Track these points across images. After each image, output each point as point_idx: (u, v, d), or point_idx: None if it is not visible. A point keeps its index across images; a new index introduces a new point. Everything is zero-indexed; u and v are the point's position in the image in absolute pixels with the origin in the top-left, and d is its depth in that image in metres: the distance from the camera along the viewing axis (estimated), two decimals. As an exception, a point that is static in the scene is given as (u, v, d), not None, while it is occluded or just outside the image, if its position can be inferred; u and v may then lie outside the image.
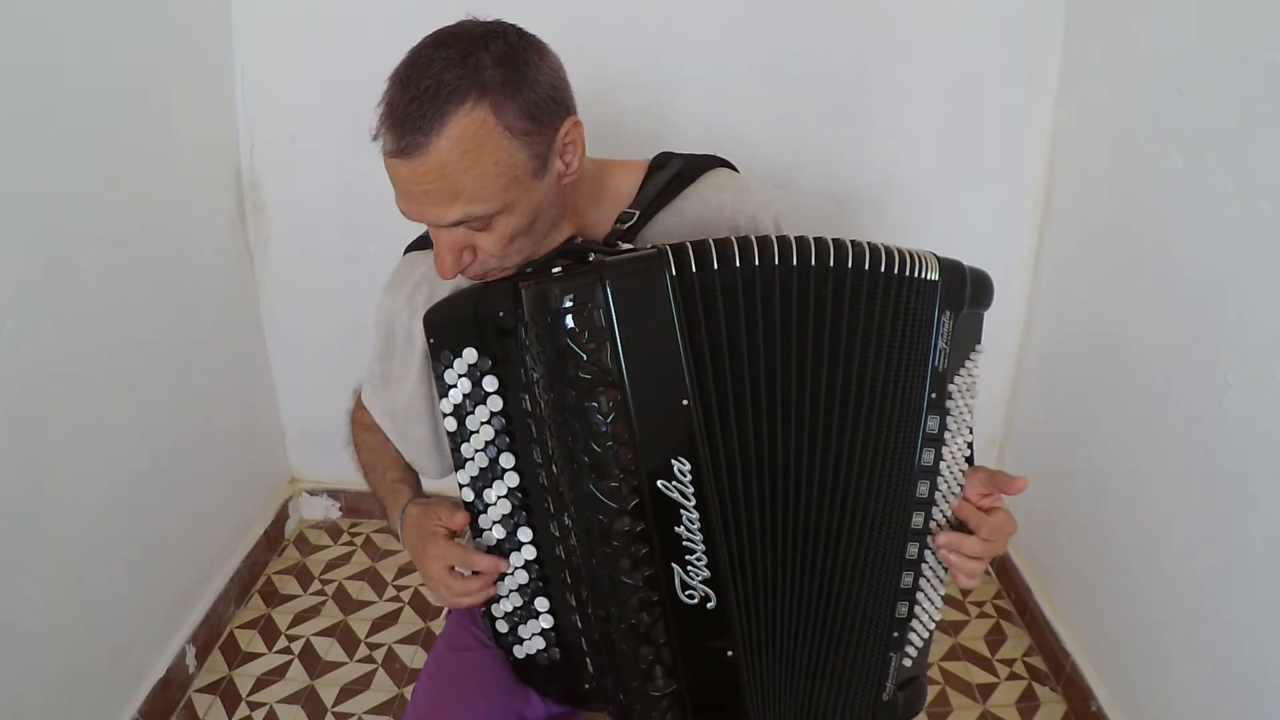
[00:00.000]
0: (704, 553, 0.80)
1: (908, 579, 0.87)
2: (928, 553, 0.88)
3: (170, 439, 1.63)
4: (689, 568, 0.80)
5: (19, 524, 1.26)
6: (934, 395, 0.83)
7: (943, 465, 0.86)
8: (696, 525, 0.79)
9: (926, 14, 1.65)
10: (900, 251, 0.81)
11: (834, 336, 0.81)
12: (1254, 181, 1.16)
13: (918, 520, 0.86)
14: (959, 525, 0.88)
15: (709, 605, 0.81)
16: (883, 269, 0.80)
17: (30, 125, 1.25)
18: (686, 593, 0.80)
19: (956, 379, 0.86)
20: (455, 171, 0.76)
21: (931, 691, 1.68)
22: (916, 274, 0.81)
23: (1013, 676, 1.72)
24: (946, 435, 0.85)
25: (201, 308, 1.72)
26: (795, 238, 0.80)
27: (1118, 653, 1.52)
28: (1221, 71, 1.23)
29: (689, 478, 0.78)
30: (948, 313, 0.83)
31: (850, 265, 0.80)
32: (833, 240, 0.81)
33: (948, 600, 1.90)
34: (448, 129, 0.75)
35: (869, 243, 0.82)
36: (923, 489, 0.85)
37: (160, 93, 1.55)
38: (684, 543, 0.79)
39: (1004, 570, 1.95)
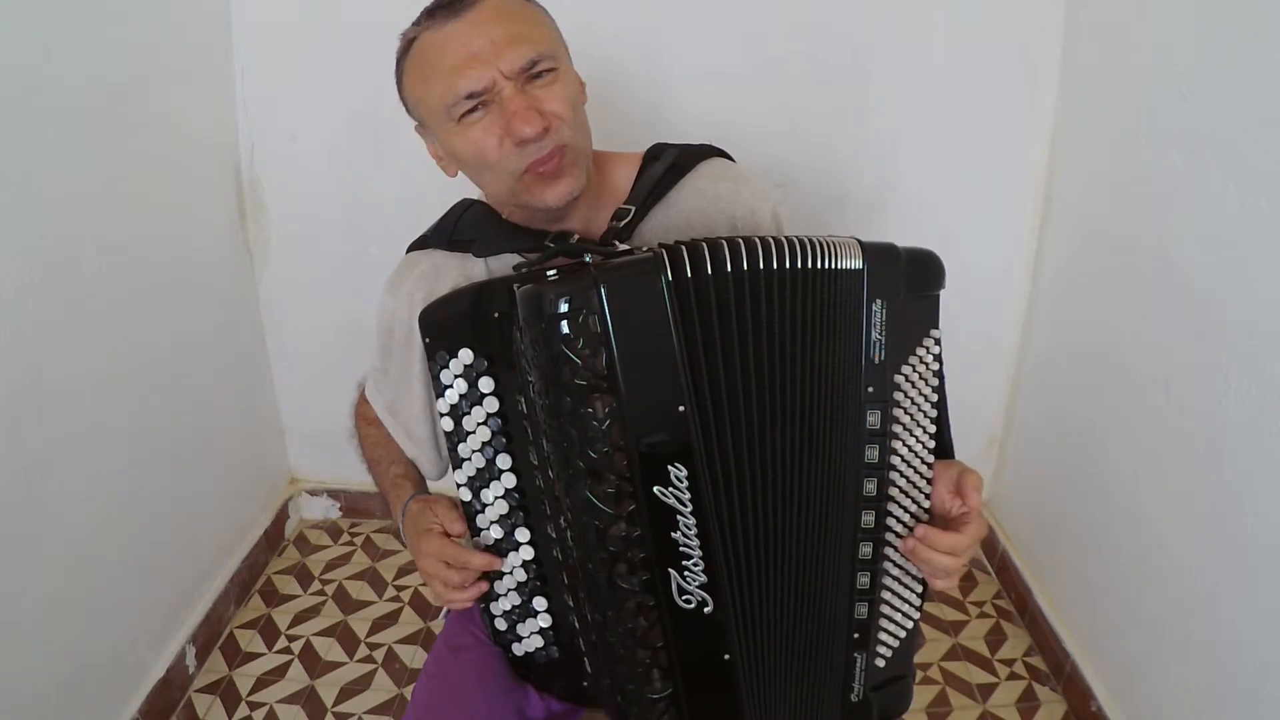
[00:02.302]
0: (700, 558, 0.79)
1: (864, 579, 0.85)
2: (890, 550, 0.86)
3: (170, 439, 1.63)
4: (685, 573, 0.79)
5: (19, 524, 1.26)
6: (870, 389, 0.81)
7: (897, 460, 0.83)
8: (693, 531, 0.78)
9: (926, 14, 1.65)
10: (815, 242, 0.79)
11: (802, 336, 0.79)
12: (1254, 181, 1.16)
13: (868, 520, 0.84)
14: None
15: (706, 610, 0.81)
16: (789, 265, 0.78)
17: (30, 125, 1.25)
18: (683, 597, 0.80)
19: (905, 369, 0.83)
20: (512, 19, 0.83)
21: (931, 691, 1.68)
22: (832, 265, 0.79)
23: (1013, 676, 1.72)
24: (898, 429, 0.83)
25: (201, 308, 1.72)
26: (755, 238, 0.79)
27: (1118, 653, 1.52)
28: (1221, 71, 1.23)
29: (685, 484, 0.77)
30: (879, 301, 0.80)
31: (790, 265, 0.78)
32: (756, 239, 0.79)
33: (948, 600, 1.91)
34: None
35: (779, 237, 0.80)
36: (870, 487, 0.83)
37: (160, 93, 1.55)
38: (680, 548, 0.79)
39: (1004, 570, 1.95)
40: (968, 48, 1.67)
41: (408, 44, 0.86)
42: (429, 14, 0.84)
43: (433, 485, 1.05)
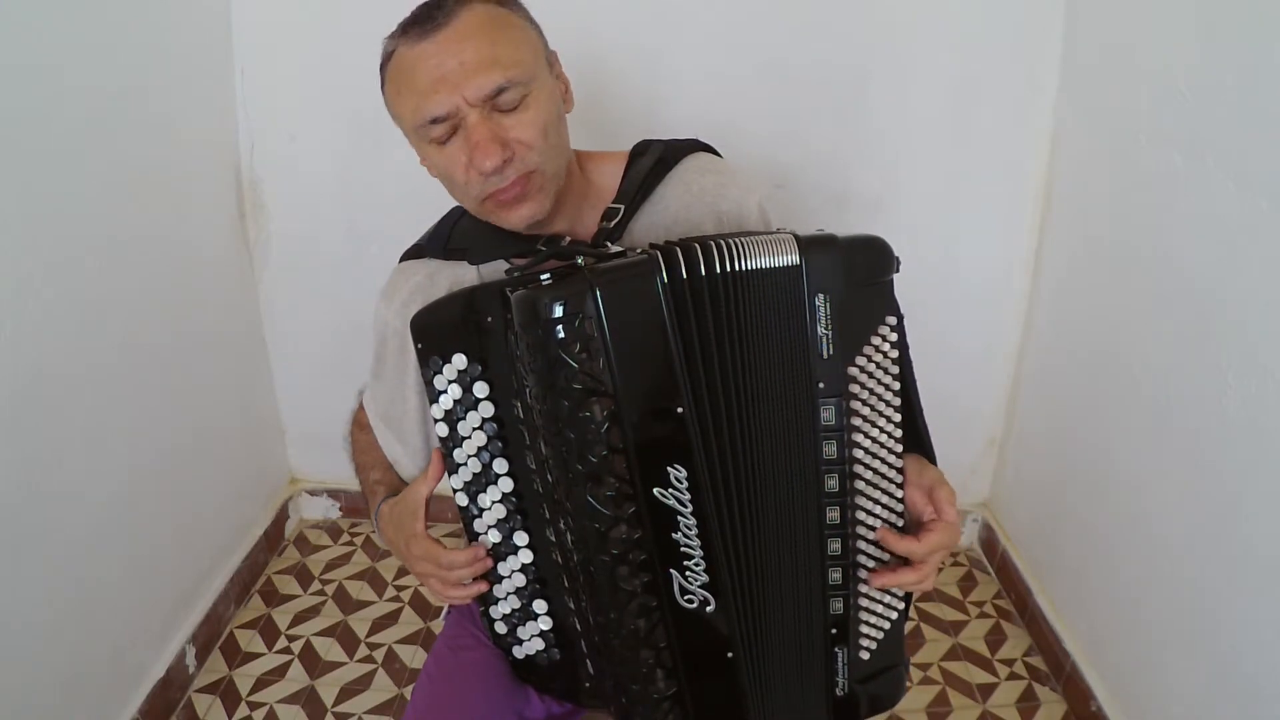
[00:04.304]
0: (702, 557, 0.79)
1: (836, 575, 0.85)
2: (863, 544, 0.85)
3: (170, 439, 1.63)
4: (687, 573, 0.79)
5: (19, 524, 1.26)
6: (822, 385, 0.80)
7: (860, 453, 0.82)
8: (694, 531, 0.78)
9: (927, 14, 1.65)
10: (748, 241, 0.78)
11: (761, 335, 0.79)
12: (1254, 181, 1.16)
13: (834, 515, 0.83)
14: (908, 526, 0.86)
15: (708, 609, 0.81)
16: (729, 268, 0.78)
17: (30, 125, 1.25)
18: (685, 598, 0.80)
19: (859, 360, 0.81)
20: (486, 38, 0.80)
21: (932, 691, 1.68)
22: (767, 263, 0.78)
23: (1013, 676, 1.72)
24: (858, 421, 0.82)
25: (201, 308, 1.72)
26: (705, 239, 0.79)
27: (1118, 653, 1.52)
28: (1221, 71, 1.23)
29: (685, 484, 0.77)
30: (822, 294, 0.79)
31: (733, 268, 0.78)
32: (697, 240, 0.79)
33: (948, 600, 1.91)
34: (471, 5, 0.81)
35: (713, 238, 0.79)
36: (831, 483, 0.82)
37: (160, 93, 1.55)
38: (682, 549, 0.79)
39: (1004, 570, 1.95)
40: (968, 48, 1.67)
41: (388, 55, 0.85)
42: (405, 28, 0.82)
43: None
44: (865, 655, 0.89)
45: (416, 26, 0.81)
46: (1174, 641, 1.36)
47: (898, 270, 0.82)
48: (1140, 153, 1.42)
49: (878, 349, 0.82)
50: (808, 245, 0.79)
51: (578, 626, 0.88)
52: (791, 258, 0.78)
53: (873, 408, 0.82)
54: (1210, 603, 1.27)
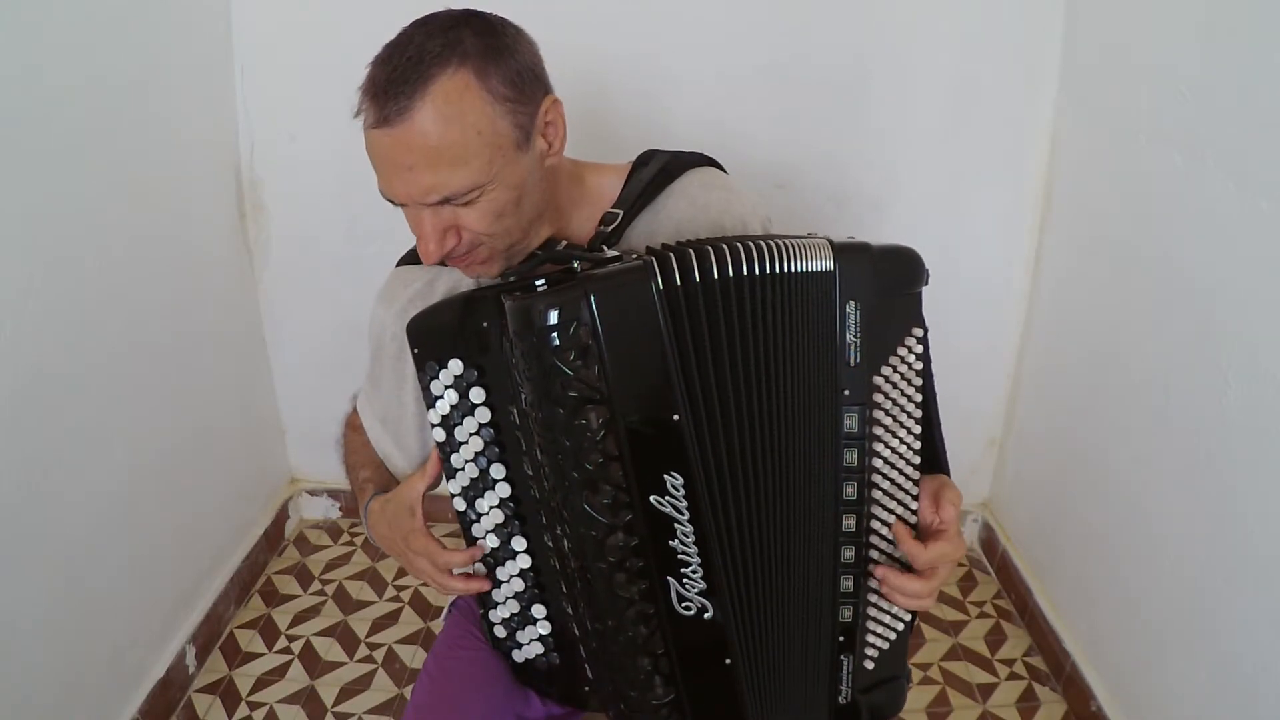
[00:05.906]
0: (699, 564, 0.79)
1: (847, 583, 0.85)
2: (875, 554, 0.85)
3: (170, 439, 1.63)
4: (685, 580, 0.79)
5: (19, 524, 1.26)
6: (847, 392, 0.80)
7: (879, 462, 0.82)
8: (691, 539, 0.78)
9: (926, 14, 1.65)
10: (788, 244, 0.78)
11: (781, 340, 0.79)
12: (1254, 181, 1.16)
13: (849, 524, 0.83)
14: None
15: (706, 616, 0.81)
16: (767, 269, 0.77)
17: (30, 125, 1.25)
18: (683, 605, 0.80)
19: (885, 370, 0.81)
20: (439, 141, 0.76)
21: (932, 691, 1.68)
22: (805, 267, 0.78)
23: (1013, 676, 1.72)
24: (879, 430, 0.82)
25: (201, 308, 1.72)
26: (735, 241, 0.78)
27: (1118, 653, 1.52)
28: (1221, 71, 1.23)
29: (681, 492, 0.77)
30: (853, 302, 0.79)
31: (768, 270, 0.78)
32: (737, 242, 0.78)
33: (948, 600, 1.91)
34: (431, 93, 0.75)
35: (754, 239, 0.79)
36: (849, 491, 0.82)
37: (160, 93, 1.55)
38: (679, 556, 0.78)
39: (1004, 570, 1.95)
40: (968, 49, 1.67)
41: (358, 104, 0.81)
42: (369, 91, 0.78)
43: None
44: (870, 665, 0.89)
45: (375, 103, 0.76)
46: (1174, 641, 1.36)
47: (927, 282, 0.82)
48: (1140, 153, 1.42)
49: (903, 360, 0.82)
50: (842, 251, 0.79)
51: (576, 632, 0.88)
52: (825, 263, 0.78)
53: (894, 418, 0.82)
54: (1210, 603, 1.27)
